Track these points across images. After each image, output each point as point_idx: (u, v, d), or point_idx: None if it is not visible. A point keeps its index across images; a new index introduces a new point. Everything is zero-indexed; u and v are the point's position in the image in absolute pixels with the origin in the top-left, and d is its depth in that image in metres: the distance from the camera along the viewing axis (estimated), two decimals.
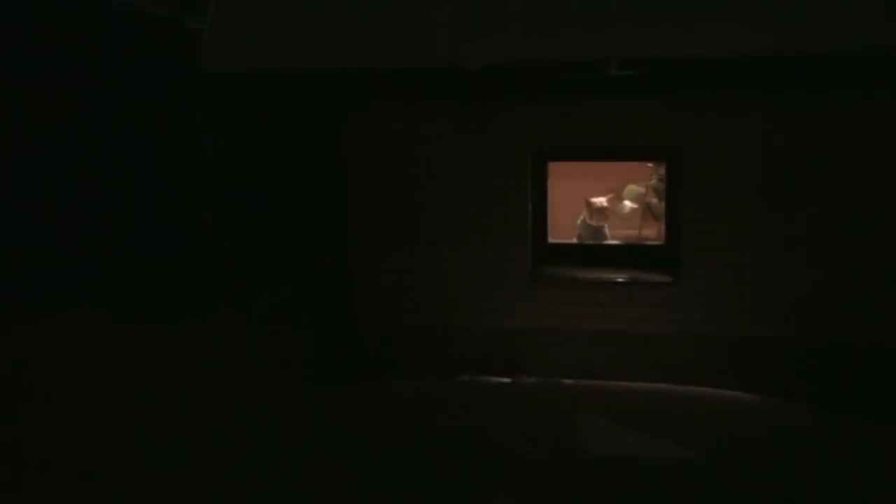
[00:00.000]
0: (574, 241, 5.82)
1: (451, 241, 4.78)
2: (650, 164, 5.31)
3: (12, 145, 3.74)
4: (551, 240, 4.99)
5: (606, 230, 5.86)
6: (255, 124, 4.98)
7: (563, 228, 5.96)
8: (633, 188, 5.55)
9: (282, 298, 4.87)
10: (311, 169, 4.95)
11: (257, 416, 3.64)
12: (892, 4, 3.53)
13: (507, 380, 4.32)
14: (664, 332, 4.56)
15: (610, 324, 4.63)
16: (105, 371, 3.98)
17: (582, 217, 5.89)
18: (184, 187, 4.87)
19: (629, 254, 5.03)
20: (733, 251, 4.43)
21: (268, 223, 5.04)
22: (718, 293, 4.47)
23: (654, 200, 5.34)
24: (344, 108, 4.84)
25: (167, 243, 4.79)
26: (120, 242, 4.43)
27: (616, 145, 4.64)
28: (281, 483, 2.95)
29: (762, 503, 2.84)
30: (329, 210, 4.97)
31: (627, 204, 5.82)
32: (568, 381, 4.18)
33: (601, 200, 5.74)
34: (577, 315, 4.67)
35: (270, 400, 3.91)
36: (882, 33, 3.56)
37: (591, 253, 5.11)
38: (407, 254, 4.84)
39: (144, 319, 4.41)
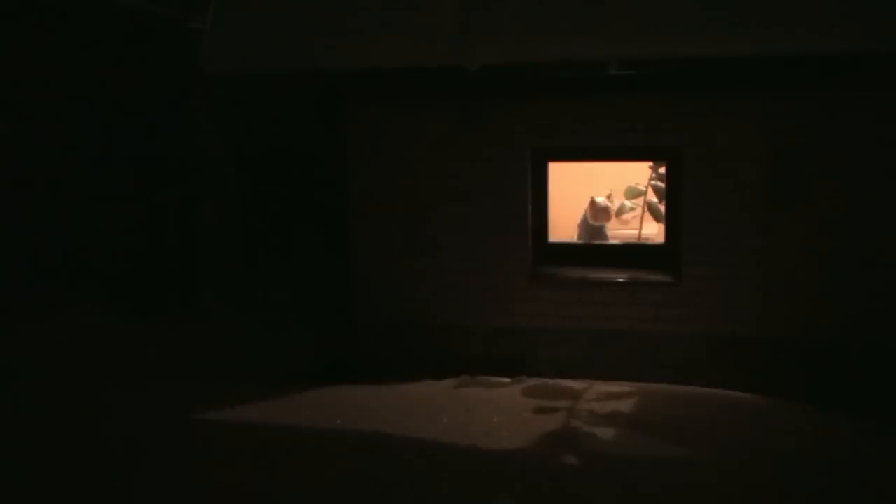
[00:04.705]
0: (574, 240, 5.83)
1: (451, 241, 4.78)
2: (650, 164, 5.31)
3: (11, 145, 3.74)
4: (551, 240, 5.00)
5: (607, 230, 5.86)
6: (254, 124, 4.98)
7: (563, 229, 5.97)
8: (633, 188, 5.54)
9: (282, 299, 4.87)
10: (311, 169, 4.95)
11: (256, 416, 3.64)
12: (891, 4, 3.53)
13: (507, 380, 4.32)
14: (664, 332, 4.56)
15: (610, 324, 4.63)
16: (104, 372, 3.98)
17: (583, 217, 5.90)
18: (183, 188, 4.87)
19: (629, 254, 5.03)
20: (733, 251, 4.43)
21: (268, 223, 5.04)
22: (718, 293, 4.47)
23: (654, 200, 5.34)
24: (344, 108, 4.85)
25: (166, 244, 4.79)
26: (119, 243, 4.43)
27: (616, 145, 4.65)
28: (287, 483, 2.95)
29: (762, 503, 2.84)
30: (329, 210, 4.97)
31: (627, 204, 5.82)
32: (568, 381, 4.18)
33: (604, 200, 5.74)
34: (577, 315, 4.67)
35: (269, 400, 3.90)
36: (884, 33, 3.56)
37: (592, 253, 5.11)
38: (407, 254, 4.84)
39: (144, 321, 4.42)
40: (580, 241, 5.77)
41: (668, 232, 4.77)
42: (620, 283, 4.63)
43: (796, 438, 3.37)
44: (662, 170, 5.00)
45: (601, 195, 5.78)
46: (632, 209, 5.82)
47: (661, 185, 5.03)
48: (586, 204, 5.81)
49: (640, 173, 5.46)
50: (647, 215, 5.52)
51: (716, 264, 4.47)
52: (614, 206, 5.85)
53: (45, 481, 2.90)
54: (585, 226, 5.85)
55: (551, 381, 4.20)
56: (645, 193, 5.45)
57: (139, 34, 4.43)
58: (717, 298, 4.48)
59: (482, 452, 3.20)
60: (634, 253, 5.04)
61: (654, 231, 5.86)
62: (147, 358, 4.25)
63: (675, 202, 4.65)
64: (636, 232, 5.84)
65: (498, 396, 3.98)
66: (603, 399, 3.84)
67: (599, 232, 5.81)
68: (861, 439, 3.40)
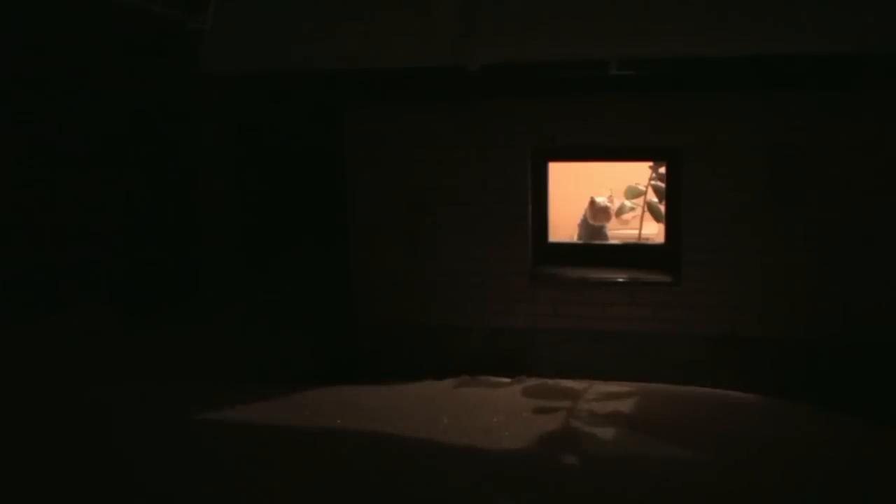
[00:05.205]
0: (574, 240, 5.83)
1: (451, 241, 4.78)
2: (650, 164, 5.31)
3: (11, 145, 3.74)
4: (551, 240, 4.99)
5: (607, 230, 5.86)
6: (254, 124, 4.98)
7: (563, 228, 5.97)
8: (633, 188, 5.54)
9: (281, 299, 4.87)
10: (310, 169, 4.95)
11: (256, 416, 3.64)
12: (890, 4, 3.53)
13: (507, 380, 4.32)
14: (664, 332, 4.56)
15: (610, 324, 4.63)
16: (104, 372, 3.98)
17: (583, 217, 5.89)
18: (183, 187, 4.88)
19: (629, 254, 5.03)
20: (733, 251, 4.43)
21: (267, 223, 5.04)
22: (718, 293, 4.47)
23: (654, 200, 5.34)
24: (344, 107, 4.84)
25: (166, 244, 4.79)
26: (119, 243, 4.43)
27: (616, 145, 4.65)
28: (287, 483, 2.95)
29: (761, 503, 2.84)
30: (329, 210, 4.97)
31: (627, 204, 5.82)
32: (568, 381, 4.18)
33: (604, 200, 5.74)
34: (577, 315, 4.67)
35: (269, 400, 3.90)
36: (882, 33, 3.56)
37: (591, 253, 5.11)
38: (407, 254, 4.84)
39: (144, 321, 4.42)
40: (580, 241, 5.77)
41: (668, 232, 4.77)
42: (620, 283, 4.63)
43: (796, 438, 3.37)
44: (662, 170, 5.00)
45: (601, 195, 5.77)
46: (632, 209, 5.81)
47: (661, 185, 5.03)
48: (586, 204, 5.81)
49: (640, 173, 5.46)
50: (647, 215, 5.51)
51: (716, 264, 4.47)
52: (614, 206, 5.84)
53: (45, 480, 2.90)
54: (585, 226, 5.85)
55: (551, 381, 4.20)
56: (645, 193, 5.45)
57: (139, 34, 4.43)
58: (717, 298, 4.48)
59: (482, 452, 3.20)
60: (634, 253, 5.04)
61: (654, 231, 5.86)
62: (147, 358, 4.25)
63: (675, 202, 4.66)
64: (636, 232, 5.84)
65: (498, 396, 3.98)
66: (603, 399, 3.84)
67: (599, 232, 5.81)
68: (861, 439, 3.40)
